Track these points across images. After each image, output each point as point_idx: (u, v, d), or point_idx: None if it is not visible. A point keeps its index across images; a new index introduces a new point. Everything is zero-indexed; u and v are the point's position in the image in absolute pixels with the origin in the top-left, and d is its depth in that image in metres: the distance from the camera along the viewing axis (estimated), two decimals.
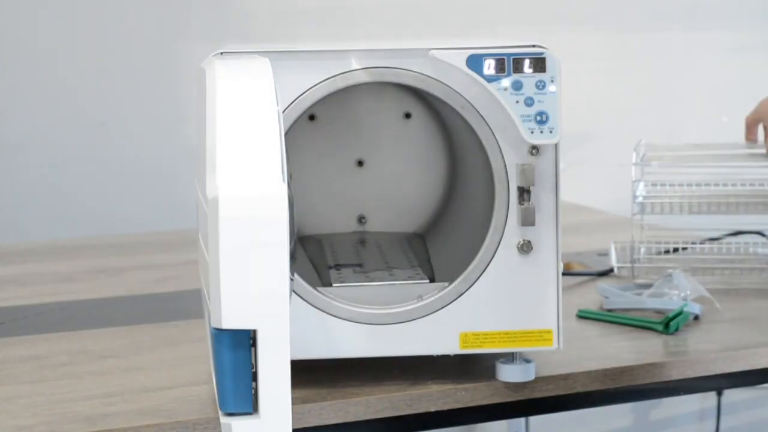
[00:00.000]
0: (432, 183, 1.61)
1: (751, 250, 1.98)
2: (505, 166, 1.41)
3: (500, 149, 1.41)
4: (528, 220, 1.41)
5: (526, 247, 1.42)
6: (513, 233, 1.41)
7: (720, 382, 1.59)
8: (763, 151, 1.91)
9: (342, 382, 1.44)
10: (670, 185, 1.92)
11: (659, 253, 1.98)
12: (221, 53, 1.35)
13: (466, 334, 1.43)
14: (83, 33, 2.79)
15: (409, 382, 1.44)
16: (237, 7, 2.88)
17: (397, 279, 1.51)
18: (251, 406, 1.14)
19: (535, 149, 1.41)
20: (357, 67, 1.40)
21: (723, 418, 2.86)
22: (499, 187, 1.41)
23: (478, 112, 1.41)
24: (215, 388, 1.21)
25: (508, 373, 1.44)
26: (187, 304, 1.82)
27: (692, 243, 2.01)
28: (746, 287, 1.88)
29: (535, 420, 2.55)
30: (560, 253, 1.43)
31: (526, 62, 1.38)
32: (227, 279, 1.11)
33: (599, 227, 2.44)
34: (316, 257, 1.58)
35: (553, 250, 1.42)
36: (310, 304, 1.42)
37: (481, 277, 1.42)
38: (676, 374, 1.52)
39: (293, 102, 1.40)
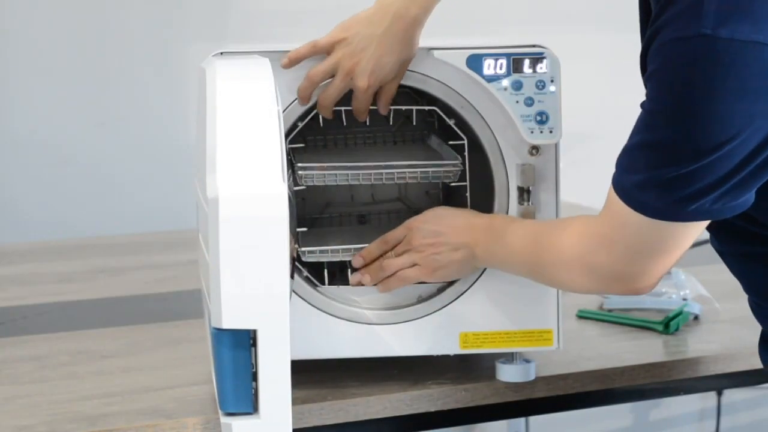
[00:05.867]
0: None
1: None
2: (505, 166, 1.41)
3: (500, 149, 1.41)
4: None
5: None
6: None
7: (720, 382, 1.59)
8: None
9: (342, 382, 1.44)
10: None
11: None
12: (221, 53, 1.35)
13: (466, 334, 1.43)
14: (83, 33, 2.79)
15: (409, 382, 1.44)
16: (237, 7, 2.88)
17: None
18: (251, 406, 1.14)
19: (535, 149, 1.40)
20: None
21: (723, 418, 2.86)
22: (498, 187, 1.41)
23: (478, 112, 1.40)
24: (215, 388, 1.21)
25: (508, 373, 1.44)
26: (187, 304, 1.82)
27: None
28: None
29: (535, 420, 2.54)
30: None
31: (526, 62, 1.38)
32: (227, 279, 1.11)
33: None
34: None
35: None
36: (310, 304, 1.42)
37: (481, 277, 1.42)
38: (676, 374, 1.52)
39: (293, 102, 1.40)
